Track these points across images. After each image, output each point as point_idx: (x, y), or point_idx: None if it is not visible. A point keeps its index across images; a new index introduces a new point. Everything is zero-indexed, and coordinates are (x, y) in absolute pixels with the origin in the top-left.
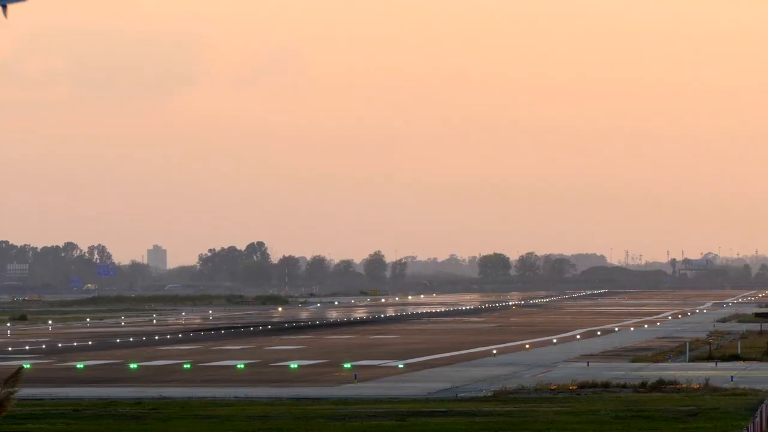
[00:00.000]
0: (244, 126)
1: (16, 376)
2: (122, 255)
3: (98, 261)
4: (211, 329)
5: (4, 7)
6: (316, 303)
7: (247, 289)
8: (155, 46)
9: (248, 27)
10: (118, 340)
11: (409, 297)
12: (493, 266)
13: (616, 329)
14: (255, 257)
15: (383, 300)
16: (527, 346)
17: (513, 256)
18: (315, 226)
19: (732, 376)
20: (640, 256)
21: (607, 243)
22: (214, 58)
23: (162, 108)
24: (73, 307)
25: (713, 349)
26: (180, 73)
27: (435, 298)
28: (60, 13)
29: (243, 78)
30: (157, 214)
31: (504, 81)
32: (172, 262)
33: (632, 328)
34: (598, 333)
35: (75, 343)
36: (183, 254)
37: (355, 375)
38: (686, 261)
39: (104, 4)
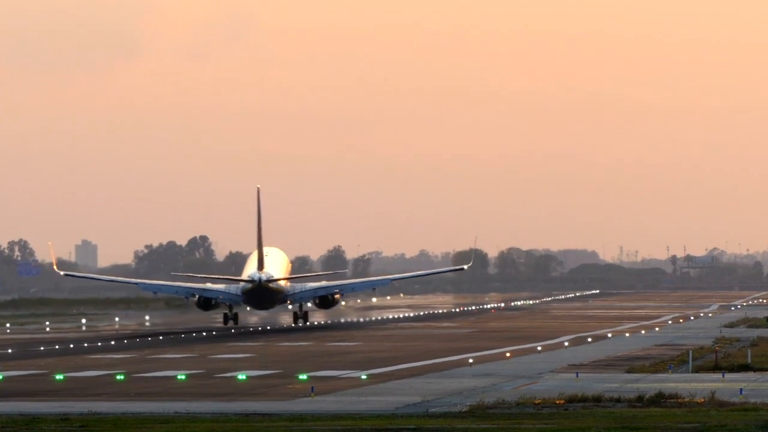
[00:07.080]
0: (186, 103)
1: None
2: (47, 251)
3: (19, 258)
4: (147, 335)
5: None
6: None
7: None
8: (95, 12)
9: None
10: (41, 348)
11: (374, 299)
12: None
13: (609, 335)
14: (198, 254)
15: (343, 303)
16: (508, 354)
17: (492, 251)
18: (266, 217)
19: (741, 389)
20: (637, 252)
21: (599, 237)
22: (160, 24)
23: (97, 83)
24: None
25: (720, 358)
26: (121, 42)
27: (403, 299)
28: None
29: (192, 48)
30: (86, 205)
31: (484, 47)
32: (104, 260)
33: (627, 334)
34: (589, 339)
35: None
36: (116, 250)
37: (312, 387)
38: (688, 258)
39: None
